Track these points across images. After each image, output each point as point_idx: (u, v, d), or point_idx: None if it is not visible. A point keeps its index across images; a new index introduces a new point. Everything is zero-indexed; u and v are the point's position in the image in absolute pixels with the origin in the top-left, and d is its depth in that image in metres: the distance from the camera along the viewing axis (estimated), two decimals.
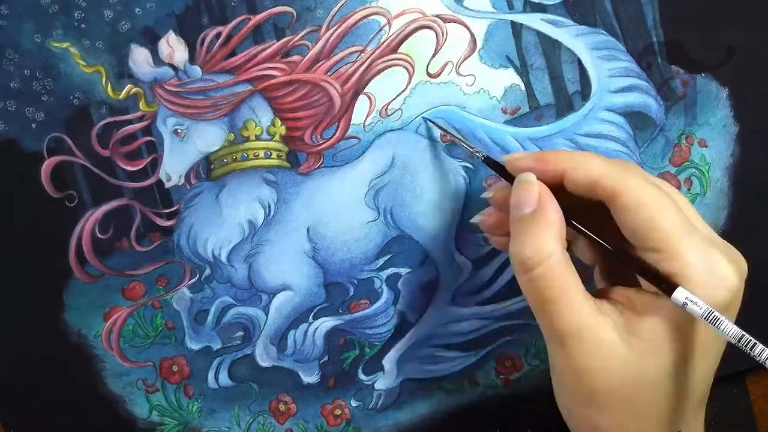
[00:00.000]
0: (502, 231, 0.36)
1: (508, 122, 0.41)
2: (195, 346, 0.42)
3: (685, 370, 0.30)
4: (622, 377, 0.29)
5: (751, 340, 0.27)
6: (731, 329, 0.28)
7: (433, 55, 0.41)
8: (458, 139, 0.39)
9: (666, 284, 0.29)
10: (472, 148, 0.37)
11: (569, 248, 0.32)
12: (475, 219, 0.38)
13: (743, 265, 0.31)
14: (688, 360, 0.30)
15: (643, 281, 0.31)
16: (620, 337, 0.30)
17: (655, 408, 0.30)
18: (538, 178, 0.32)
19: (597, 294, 0.32)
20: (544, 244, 0.30)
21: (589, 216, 0.32)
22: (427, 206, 0.42)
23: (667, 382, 0.30)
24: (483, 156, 0.36)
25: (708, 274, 0.29)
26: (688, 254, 0.29)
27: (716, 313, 0.28)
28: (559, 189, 0.32)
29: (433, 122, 0.40)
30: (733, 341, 0.28)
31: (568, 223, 0.32)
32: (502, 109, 0.41)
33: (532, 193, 0.31)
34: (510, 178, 0.34)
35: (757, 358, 0.27)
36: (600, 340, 0.29)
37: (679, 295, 0.28)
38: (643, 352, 0.29)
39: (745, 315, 0.31)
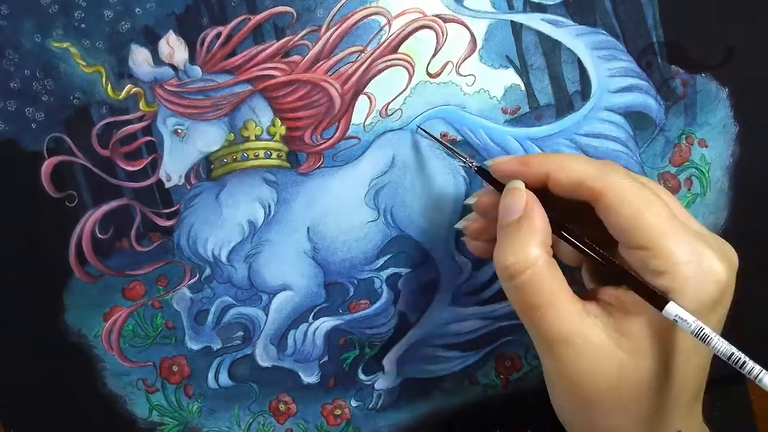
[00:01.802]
0: (486, 237, 0.37)
1: (508, 122, 0.41)
2: (195, 346, 0.42)
3: (676, 367, 0.29)
4: (614, 378, 0.29)
5: (741, 357, 0.27)
6: (722, 346, 0.27)
7: (433, 55, 0.41)
8: (450, 148, 0.39)
9: (656, 298, 0.28)
10: (464, 158, 0.37)
11: (553, 250, 0.32)
12: (459, 224, 0.38)
13: (733, 257, 0.30)
14: (680, 357, 0.29)
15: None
16: (610, 338, 0.30)
17: (649, 406, 0.30)
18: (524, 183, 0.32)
19: (584, 295, 0.32)
20: (528, 251, 0.30)
21: (574, 216, 0.32)
22: (427, 206, 0.42)
23: (660, 379, 0.29)
24: (475, 166, 0.36)
25: (696, 269, 0.28)
26: (674, 249, 0.29)
27: (707, 330, 0.27)
28: (544, 192, 0.32)
29: (424, 131, 0.40)
30: (724, 358, 0.28)
31: (556, 233, 0.32)
32: (502, 109, 0.41)
33: (519, 199, 0.32)
34: (497, 184, 0.34)
35: (749, 375, 0.27)
36: (589, 343, 0.29)
37: (670, 310, 0.28)
38: (633, 352, 0.29)
39: (746, 314, 0.31)
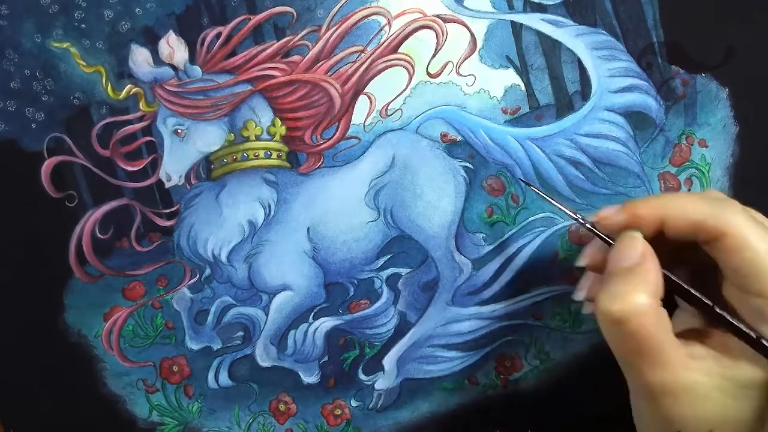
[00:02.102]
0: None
1: (508, 122, 0.41)
2: (195, 346, 0.42)
3: None
4: (715, 421, 0.29)
5: None
6: None
7: (433, 55, 0.41)
8: (555, 203, 0.37)
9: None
10: (573, 213, 0.35)
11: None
12: (578, 296, 0.36)
13: None
14: None
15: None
16: (714, 384, 0.29)
17: None
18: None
19: (690, 335, 0.31)
20: (639, 298, 0.29)
21: (675, 253, 0.32)
22: (427, 206, 0.42)
23: (761, 419, 0.29)
24: (583, 221, 0.35)
25: None
26: None
27: None
28: (655, 237, 0.32)
29: (527, 183, 0.40)
30: None
31: (676, 290, 0.31)
32: (502, 109, 0.41)
33: (636, 248, 0.31)
34: (601, 236, 0.33)
35: None
36: (693, 391, 0.29)
37: None
38: (738, 397, 0.29)
39: None
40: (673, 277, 0.31)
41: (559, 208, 0.36)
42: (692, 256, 0.32)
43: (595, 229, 0.34)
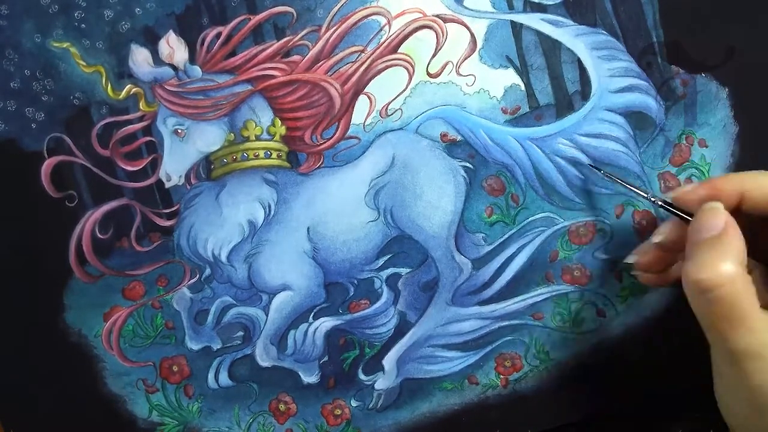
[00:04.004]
0: (658, 268, 0.38)
1: (508, 122, 0.41)
2: (195, 346, 0.42)
3: None
4: None
5: None
6: None
7: (433, 55, 0.41)
8: (626, 184, 0.39)
9: None
10: (645, 193, 0.37)
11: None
12: (630, 259, 0.39)
13: None
14: None
15: None
16: None
17: None
18: None
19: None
20: (726, 266, 0.30)
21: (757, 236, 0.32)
22: (427, 206, 0.42)
23: None
24: (659, 201, 0.37)
25: None
26: None
27: None
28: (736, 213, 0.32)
29: (596, 169, 0.41)
30: None
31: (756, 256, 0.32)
32: (502, 109, 0.41)
33: (718, 217, 0.32)
34: (680, 215, 0.35)
35: None
36: None
37: None
38: None
39: None
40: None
41: (632, 189, 0.38)
42: None
43: (672, 206, 0.35)
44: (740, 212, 0.33)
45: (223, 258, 0.41)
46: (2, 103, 0.40)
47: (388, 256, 0.42)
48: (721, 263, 0.30)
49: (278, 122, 0.41)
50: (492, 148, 0.41)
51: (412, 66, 0.41)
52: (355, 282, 0.42)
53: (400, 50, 0.41)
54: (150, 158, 0.41)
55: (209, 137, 0.41)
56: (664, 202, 0.36)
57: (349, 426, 0.43)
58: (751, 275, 0.33)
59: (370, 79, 0.41)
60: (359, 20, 0.40)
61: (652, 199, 0.37)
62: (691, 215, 0.34)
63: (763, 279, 0.36)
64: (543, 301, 0.43)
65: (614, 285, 0.43)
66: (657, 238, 0.37)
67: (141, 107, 0.40)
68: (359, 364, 0.43)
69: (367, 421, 0.43)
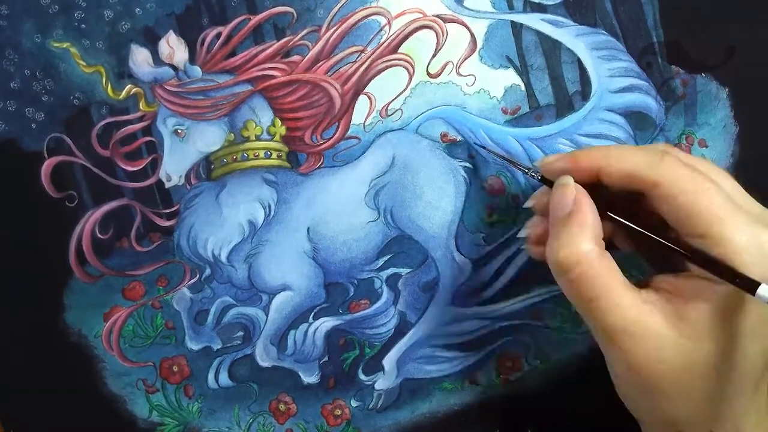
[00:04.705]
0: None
1: (508, 122, 0.41)
2: (195, 346, 0.42)
3: (739, 350, 0.29)
4: (676, 363, 0.29)
5: None
6: None
7: (433, 55, 0.41)
8: (508, 159, 0.38)
9: (741, 281, 0.28)
10: (526, 169, 0.36)
11: (612, 242, 0.32)
12: (522, 233, 0.38)
13: None
14: (743, 340, 0.29)
15: (693, 267, 0.30)
16: (669, 324, 0.29)
17: (712, 390, 0.30)
18: (575, 179, 0.32)
19: (641, 284, 0.31)
20: (580, 244, 0.30)
21: (628, 208, 0.32)
22: (427, 206, 0.42)
23: (722, 363, 0.29)
24: (539, 175, 0.36)
25: (758, 254, 0.28)
26: (734, 237, 0.28)
27: None
28: (598, 184, 0.32)
29: (482, 147, 0.40)
30: None
31: (613, 220, 0.31)
32: (502, 109, 0.41)
33: (568, 195, 0.32)
34: (550, 183, 0.34)
35: None
36: (648, 329, 0.29)
37: (763, 293, 0.27)
38: (694, 337, 0.29)
39: None
40: (615, 217, 0.32)
41: (516, 165, 0.37)
42: (638, 207, 0.32)
43: (539, 174, 0.35)
44: (602, 186, 0.32)
45: (223, 258, 0.41)
46: (2, 103, 0.40)
47: (388, 256, 0.42)
48: (575, 242, 0.30)
49: (278, 122, 0.41)
50: (492, 148, 0.41)
51: (412, 66, 0.41)
52: (355, 282, 0.42)
53: (400, 50, 0.41)
54: (150, 158, 0.41)
55: (209, 137, 0.41)
56: (536, 169, 0.35)
57: (349, 426, 0.43)
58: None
59: (370, 79, 0.41)
60: (359, 20, 0.40)
61: (527, 170, 0.36)
62: None
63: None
64: (543, 301, 0.43)
65: None
66: (528, 203, 0.36)
67: (141, 107, 0.40)
68: (359, 364, 0.43)
69: (367, 421, 0.43)
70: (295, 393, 0.43)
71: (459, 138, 0.41)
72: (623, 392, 0.33)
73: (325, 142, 0.41)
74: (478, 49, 0.41)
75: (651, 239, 0.31)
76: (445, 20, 0.40)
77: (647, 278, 0.33)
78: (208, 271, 0.42)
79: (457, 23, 0.41)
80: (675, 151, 0.32)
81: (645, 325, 0.29)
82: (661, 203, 0.30)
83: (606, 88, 0.42)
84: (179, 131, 0.40)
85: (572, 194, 0.32)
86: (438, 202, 0.42)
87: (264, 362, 0.42)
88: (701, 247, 0.29)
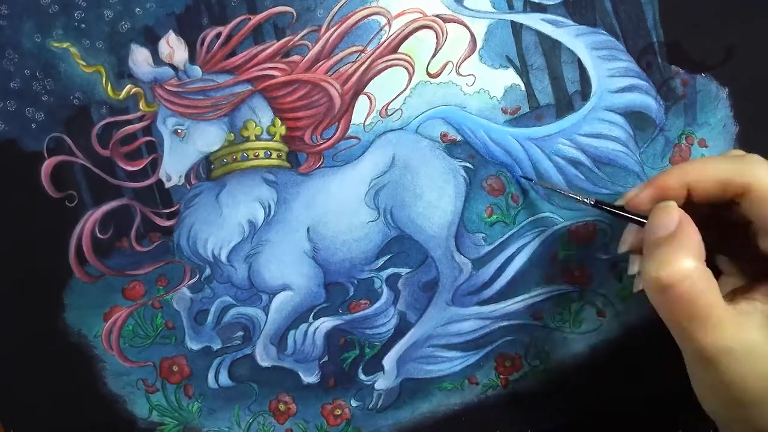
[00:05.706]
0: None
1: (508, 122, 0.41)
2: (195, 346, 0.42)
3: None
4: None
5: None
6: None
7: (433, 55, 0.41)
8: (563, 192, 0.39)
9: None
10: (580, 198, 0.37)
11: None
12: (633, 270, 0.37)
13: None
14: None
15: None
16: (766, 337, 0.29)
17: None
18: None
19: (734, 294, 0.31)
20: (684, 262, 0.30)
21: (718, 221, 0.32)
22: (427, 206, 0.42)
23: None
24: (592, 201, 0.36)
25: None
26: None
27: None
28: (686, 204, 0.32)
29: (527, 179, 0.41)
30: None
31: (705, 237, 0.31)
32: (502, 109, 0.41)
33: (671, 215, 0.31)
34: (629, 217, 0.34)
35: None
36: (747, 347, 0.29)
37: None
38: None
39: None
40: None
41: (571, 196, 0.37)
42: (726, 218, 0.32)
43: (624, 211, 0.34)
44: (693, 204, 0.32)
45: (223, 258, 0.41)
46: (2, 103, 0.40)
47: (388, 256, 0.42)
48: (679, 259, 0.30)
49: (278, 122, 0.41)
50: (492, 148, 0.41)
51: (412, 66, 0.41)
52: (355, 282, 0.42)
53: (400, 50, 0.41)
54: (150, 158, 0.41)
55: (209, 137, 0.41)
56: (617, 208, 0.35)
57: (349, 426, 0.43)
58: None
59: (370, 79, 0.41)
60: (359, 20, 0.40)
61: (588, 201, 0.36)
62: (645, 218, 0.33)
63: (729, 268, 0.35)
64: (543, 301, 0.43)
65: (614, 285, 0.43)
66: (622, 248, 0.36)
67: (141, 107, 0.40)
68: (359, 364, 0.43)
69: (367, 421, 0.43)
70: (295, 393, 0.43)
71: (459, 138, 0.41)
72: (710, 405, 0.32)
73: (325, 142, 0.41)
74: (478, 49, 0.41)
75: (750, 251, 0.31)
76: (445, 20, 0.40)
77: (739, 289, 0.32)
78: (208, 271, 0.42)
79: (457, 23, 0.41)
80: (755, 156, 0.32)
81: (744, 342, 0.29)
82: (754, 207, 0.30)
83: (606, 88, 0.42)
84: (179, 131, 0.40)
85: (676, 215, 0.31)
86: (438, 202, 0.42)
87: (264, 362, 0.42)
88: None
